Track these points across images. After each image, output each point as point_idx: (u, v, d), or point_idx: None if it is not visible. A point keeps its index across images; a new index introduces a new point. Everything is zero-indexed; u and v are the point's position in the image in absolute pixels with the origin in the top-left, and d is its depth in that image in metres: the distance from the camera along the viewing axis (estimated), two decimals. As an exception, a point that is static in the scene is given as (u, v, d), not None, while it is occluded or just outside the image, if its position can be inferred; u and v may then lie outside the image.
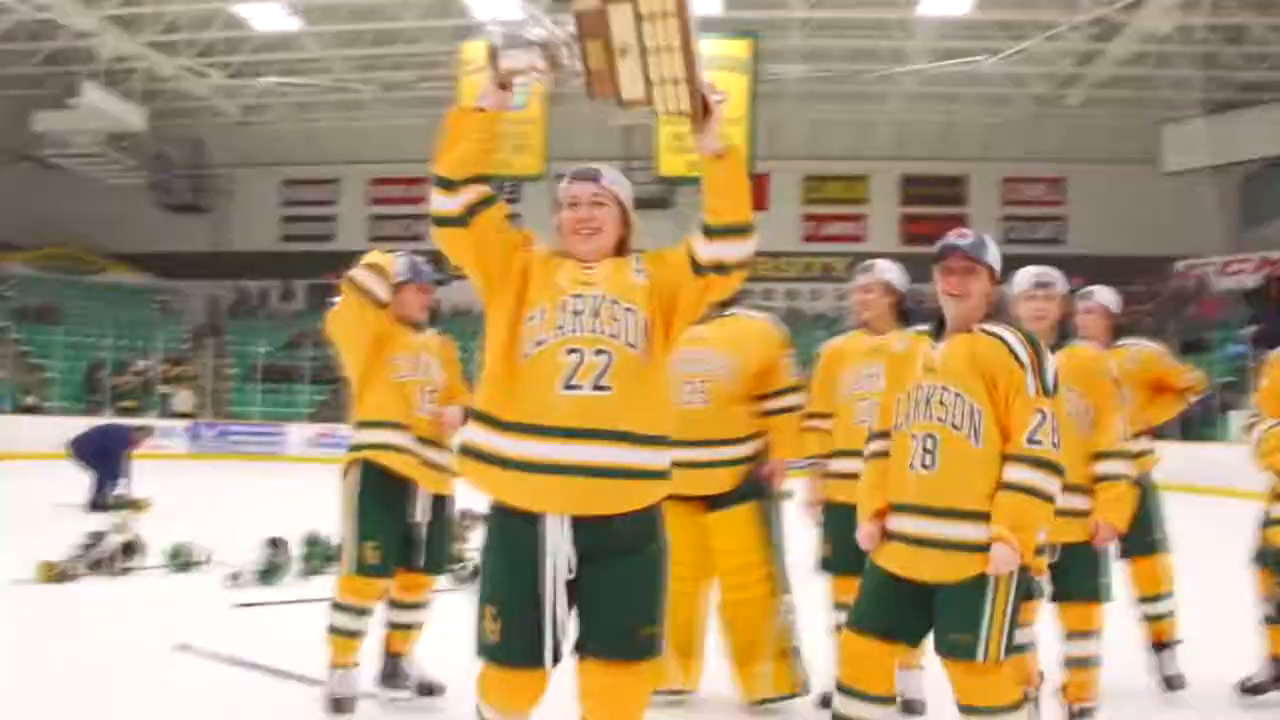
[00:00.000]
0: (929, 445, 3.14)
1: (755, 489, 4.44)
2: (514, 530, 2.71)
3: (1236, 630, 5.25)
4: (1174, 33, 22.47)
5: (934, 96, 27.96)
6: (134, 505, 10.43)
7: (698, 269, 2.76)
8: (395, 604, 4.55)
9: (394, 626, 4.57)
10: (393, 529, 4.35)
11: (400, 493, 4.37)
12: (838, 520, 4.29)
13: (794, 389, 4.55)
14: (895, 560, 3.20)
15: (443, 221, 2.83)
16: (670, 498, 2.88)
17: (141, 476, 12.37)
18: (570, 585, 2.69)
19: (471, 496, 3.22)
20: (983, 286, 3.28)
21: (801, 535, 4.69)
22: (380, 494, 4.33)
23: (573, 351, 2.68)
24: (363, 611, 4.36)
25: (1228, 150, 25.76)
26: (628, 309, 2.75)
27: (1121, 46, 23.70)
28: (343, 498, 4.41)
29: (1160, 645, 4.96)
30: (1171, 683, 4.90)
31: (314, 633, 4.48)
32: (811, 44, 25.12)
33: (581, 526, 2.67)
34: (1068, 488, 3.70)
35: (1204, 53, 23.74)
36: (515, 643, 2.68)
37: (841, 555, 4.26)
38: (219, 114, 29.64)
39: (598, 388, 2.66)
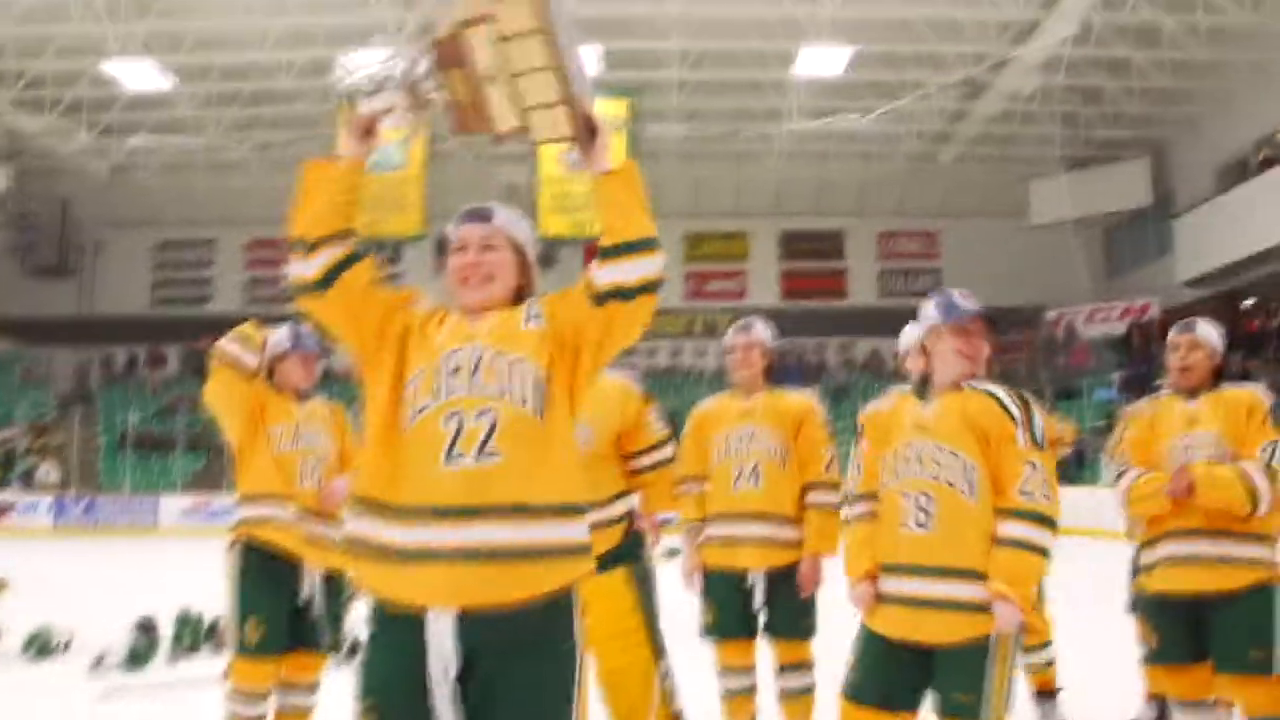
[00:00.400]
0: (924, 503, 3.09)
1: (626, 552, 4.31)
2: (396, 630, 2.27)
3: (1116, 672, 5.32)
4: (1036, 93, 23.44)
5: (810, 155, 28.60)
6: (-9, 586, 9.86)
7: (597, 298, 2.37)
8: (285, 685, 4.31)
9: (284, 711, 4.33)
10: (277, 606, 4.15)
11: (286, 570, 4.18)
12: (718, 586, 4.31)
13: (662, 443, 4.41)
14: (893, 623, 3.12)
15: (304, 288, 2.45)
16: None
17: (1, 554, 11.76)
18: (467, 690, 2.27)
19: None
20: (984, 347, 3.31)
21: (684, 597, 4.61)
22: (264, 571, 4.14)
23: (452, 416, 2.30)
24: (254, 696, 4.13)
25: (1090, 203, 26.85)
26: (515, 361, 2.36)
27: (988, 105, 24.61)
28: (226, 577, 4.21)
29: (1044, 694, 5.00)
30: None
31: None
32: (690, 104, 25.52)
33: (472, 621, 2.23)
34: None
35: (1064, 112, 24.78)
36: None
37: (725, 621, 4.29)
38: (86, 174, 28.74)
39: (483, 455, 2.26)
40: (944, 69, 22.71)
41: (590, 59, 22.21)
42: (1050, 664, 5.05)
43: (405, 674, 2.26)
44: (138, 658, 7.02)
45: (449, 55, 2.33)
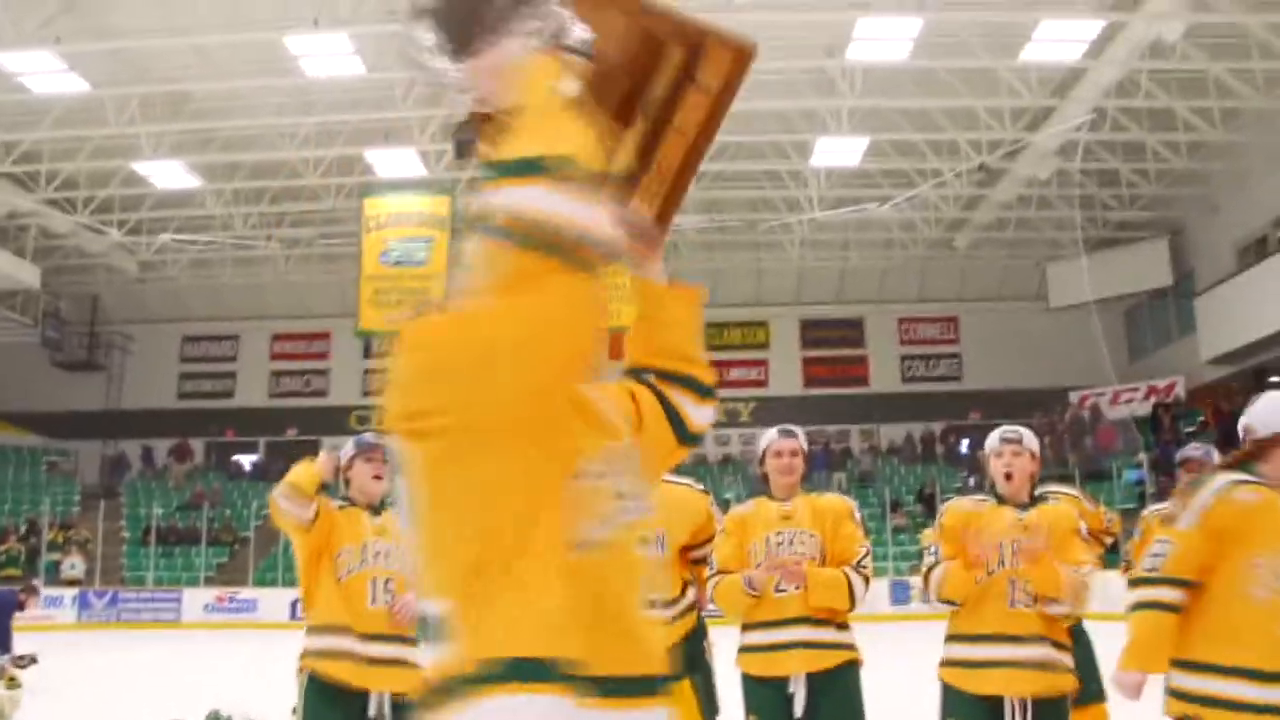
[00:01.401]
0: None
1: (693, 652, 4.29)
2: None
3: None
4: (1052, 177, 23.62)
5: (829, 243, 28.80)
6: (17, 667, 9.81)
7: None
8: None
9: None
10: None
11: (353, 695, 4.13)
12: (758, 694, 4.26)
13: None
14: None
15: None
16: None
17: (24, 649, 11.70)
18: None
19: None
20: None
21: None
22: (328, 696, 4.12)
23: None
24: None
25: (1109, 285, 26.84)
26: None
27: (1005, 191, 24.77)
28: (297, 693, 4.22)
29: None
30: None
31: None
32: (710, 195, 25.80)
33: None
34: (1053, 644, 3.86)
35: (1081, 195, 24.92)
36: None
37: None
38: (115, 270, 29.20)
39: None
40: (959, 157, 22.93)
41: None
42: None
43: None
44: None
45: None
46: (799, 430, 4.66)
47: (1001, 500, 4.12)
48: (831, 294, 30.97)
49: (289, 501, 4.16)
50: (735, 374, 31.32)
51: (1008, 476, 4.09)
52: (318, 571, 4.22)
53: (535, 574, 1.51)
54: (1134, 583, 3.56)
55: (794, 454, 4.54)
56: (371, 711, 4.12)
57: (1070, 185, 24.31)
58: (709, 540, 4.47)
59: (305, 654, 4.20)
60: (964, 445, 27.70)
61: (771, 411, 30.53)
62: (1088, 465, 24.75)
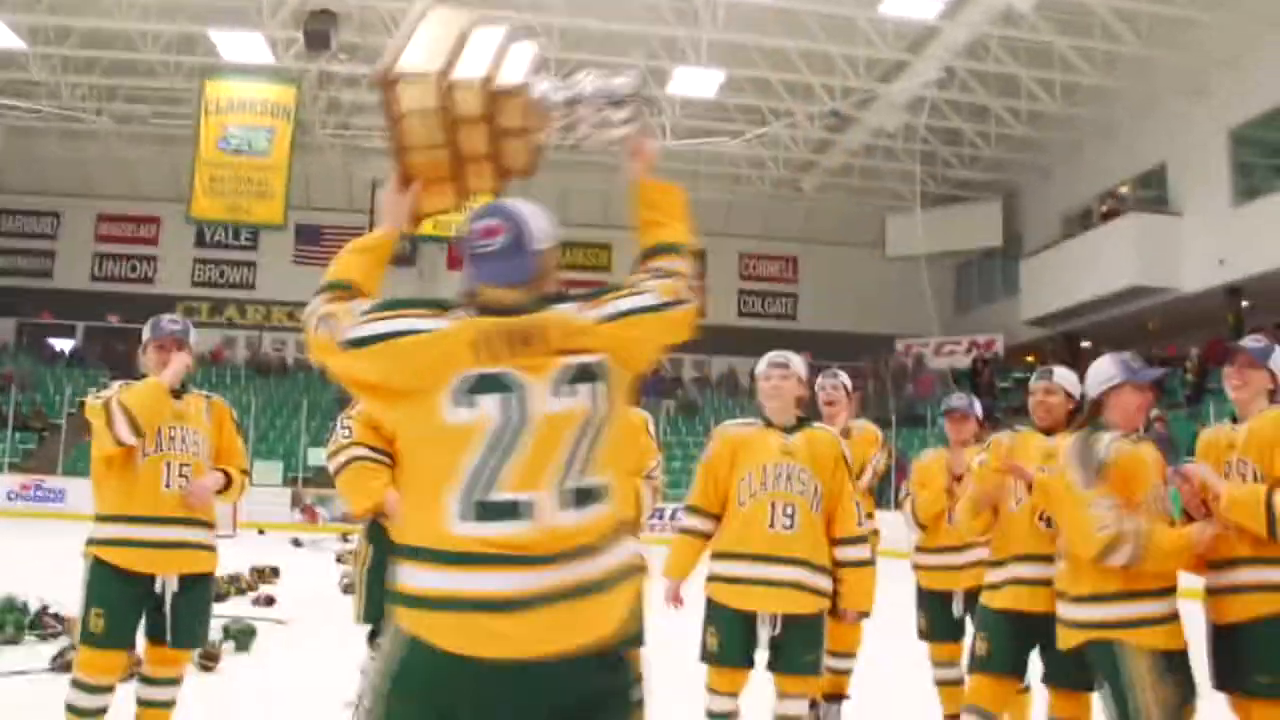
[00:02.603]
0: None
1: None
2: None
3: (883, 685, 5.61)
4: (899, 130, 24.26)
5: (680, 173, 28.90)
6: None
7: None
8: (144, 680, 4.26)
9: (143, 704, 4.26)
10: (127, 600, 4.09)
11: (139, 578, 4.12)
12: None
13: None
14: None
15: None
16: None
17: None
18: None
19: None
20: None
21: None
22: (115, 578, 4.08)
23: None
24: (96, 688, 4.06)
25: (943, 240, 27.83)
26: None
27: (853, 138, 25.33)
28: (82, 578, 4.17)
29: (831, 698, 5.25)
30: None
31: (7, 711, 4.11)
32: (564, 112, 25.56)
33: None
34: (805, 564, 3.93)
35: (924, 150, 25.68)
36: None
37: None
38: (-75, 133, 27.28)
39: None
40: (813, 100, 23.32)
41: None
42: (848, 672, 5.31)
43: None
44: (-44, 643, 6.74)
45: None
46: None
47: (770, 424, 4.28)
48: (675, 223, 31.29)
49: (125, 428, 4.06)
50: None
51: (771, 399, 4.28)
52: (114, 457, 4.17)
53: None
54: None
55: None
56: (157, 589, 4.14)
57: (915, 140, 25.03)
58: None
59: (91, 542, 4.17)
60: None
61: (609, 336, 30.82)
62: (905, 410, 25.84)
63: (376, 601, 4.37)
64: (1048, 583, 3.92)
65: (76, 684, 4.09)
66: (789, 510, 4.09)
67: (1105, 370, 3.78)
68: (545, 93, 2.49)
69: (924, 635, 5.33)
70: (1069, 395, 4.39)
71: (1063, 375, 4.46)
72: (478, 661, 1.99)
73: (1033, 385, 4.47)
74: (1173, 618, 3.53)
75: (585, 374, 2.16)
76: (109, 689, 4.12)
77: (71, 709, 4.07)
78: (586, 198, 30.76)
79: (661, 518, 22.06)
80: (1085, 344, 25.73)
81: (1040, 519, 4.12)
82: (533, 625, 2.01)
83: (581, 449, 2.12)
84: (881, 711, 5.82)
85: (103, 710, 4.11)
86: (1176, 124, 21.42)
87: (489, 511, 2.06)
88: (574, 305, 2.25)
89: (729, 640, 4.09)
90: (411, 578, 2.11)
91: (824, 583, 4.10)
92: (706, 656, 4.15)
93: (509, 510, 2.06)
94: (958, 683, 4.94)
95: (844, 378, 5.69)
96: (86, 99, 25.18)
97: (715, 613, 4.15)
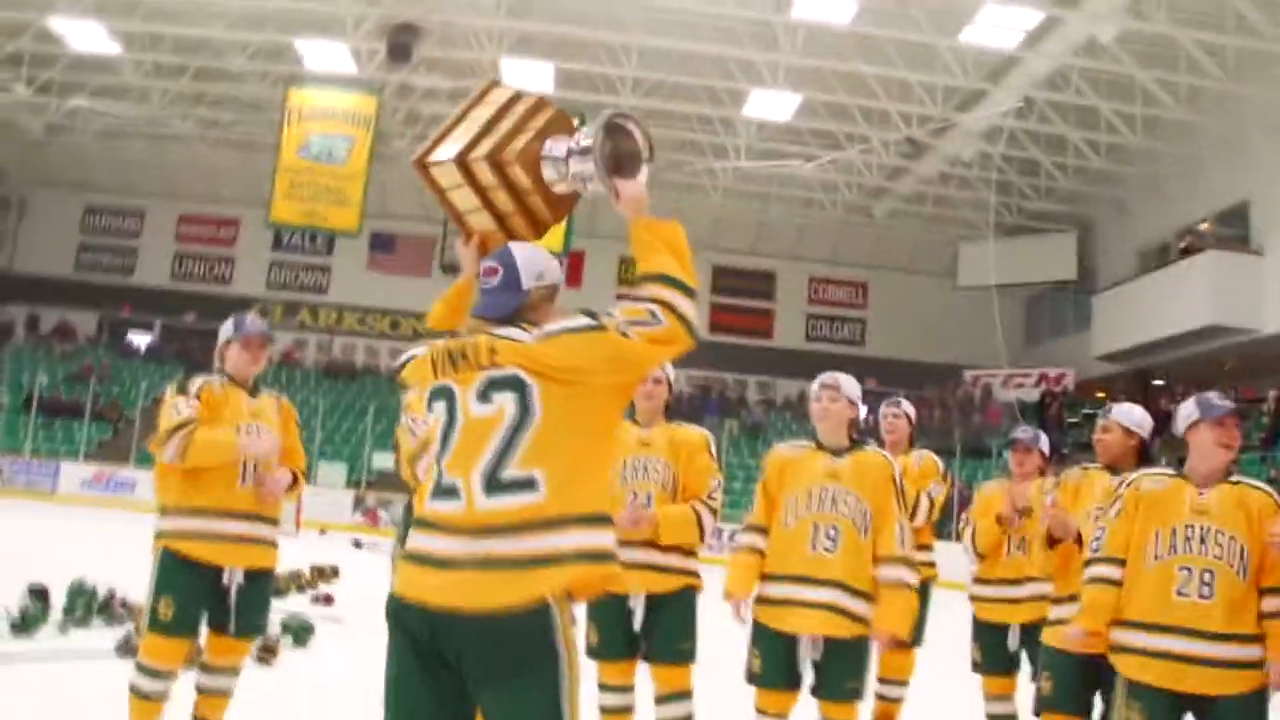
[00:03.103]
0: (1207, 579, 3.59)
1: None
2: None
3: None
4: (975, 159, 24.07)
5: (751, 194, 28.98)
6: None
7: None
8: (205, 668, 4.39)
9: (201, 692, 4.39)
10: (194, 590, 4.23)
11: (206, 569, 4.27)
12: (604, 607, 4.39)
13: None
14: (1164, 676, 3.56)
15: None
16: None
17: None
18: None
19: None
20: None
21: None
22: (184, 568, 4.22)
23: None
24: (160, 674, 4.18)
25: (1015, 271, 27.54)
26: None
27: (927, 166, 25.18)
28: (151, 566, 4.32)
29: None
30: None
31: (72, 692, 4.23)
32: (639, 130, 25.73)
33: None
34: (842, 587, 3.93)
35: (1000, 180, 25.43)
36: None
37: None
38: (18, 128, 28.10)
39: None
40: (888, 126, 23.22)
41: (544, 77, 22.38)
42: (898, 700, 5.26)
43: None
44: (27, 624, 6.92)
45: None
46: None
47: (820, 446, 4.25)
48: (747, 245, 31.21)
49: (176, 455, 4.19)
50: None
51: (821, 420, 4.26)
52: None
53: None
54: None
55: (657, 381, 4.58)
56: (225, 580, 4.28)
57: (990, 169, 24.80)
58: None
59: (161, 534, 4.29)
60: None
61: (674, 354, 30.84)
62: (971, 441, 25.56)
63: None
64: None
65: (141, 668, 4.20)
66: (831, 532, 4.06)
67: (1184, 410, 3.82)
68: (547, 152, 2.83)
69: (977, 668, 5.28)
70: (1127, 431, 4.37)
71: (1121, 411, 4.45)
72: (410, 604, 2.51)
73: (1097, 423, 4.50)
74: None
75: (504, 385, 2.57)
76: (172, 675, 4.23)
77: (135, 691, 4.18)
78: (657, 215, 30.82)
79: (720, 538, 22.06)
80: (1158, 381, 25.27)
81: None
82: (445, 582, 2.46)
83: (504, 445, 2.53)
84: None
85: (164, 695, 4.23)
86: (1261, 161, 20.99)
87: (438, 491, 2.59)
88: (524, 332, 2.63)
89: (770, 662, 4.10)
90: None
91: (863, 608, 4.05)
92: (751, 677, 4.16)
93: (450, 491, 2.56)
94: (1010, 718, 4.90)
95: (906, 406, 5.68)
96: (174, 104, 25.85)
97: (758, 633, 4.16)
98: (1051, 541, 4.27)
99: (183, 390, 4.34)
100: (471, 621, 2.42)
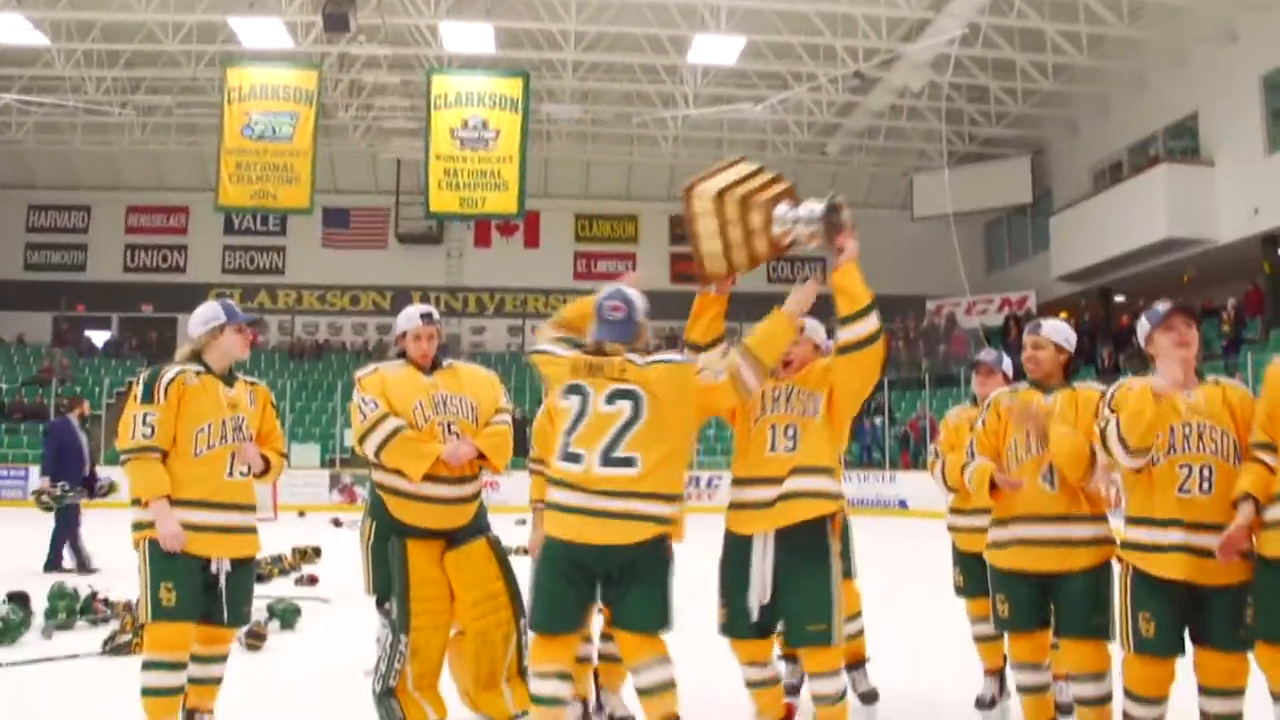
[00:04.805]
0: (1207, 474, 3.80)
1: (483, 526, 4.74)
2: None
3: (917, 643, 5.61)
4: (924, 89, 24.03)
5: (703, 141, 28.85)
6: None
7: (839, 350, 4.08)
8: (194, 659, 4.35)
9: (192, 681, 4.37)
10: (189, 576, 4.22)
11: (194, 558, 4.26)
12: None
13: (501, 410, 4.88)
14: (1178, 567, 3.75)
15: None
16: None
17: None
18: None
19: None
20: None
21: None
22: (173, 556, 4.21)
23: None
24: (173, 665, 4.18)
25: (970, 199, 27.67)
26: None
27: (876, 100, 25.13)
28: (138, 561, 4.29)
29: (852, 665, 5.24)
30: (866, 698, 5.19)
31: (58, 697, 4.21)
32: (585, 86, 25.58)
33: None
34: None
35: (950, 109, 25.43)
36: None
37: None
38: (-46, 131, 27.56)
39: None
40: (835, 63, 23.15)
41: (484, 38, 22.17)
42: (858, 635, 5.28)
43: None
44: (9, 630, 6.88)
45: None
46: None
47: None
48: (704, 193, 31.16)
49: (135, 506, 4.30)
50: (603, 266, 31.43)
51: (785, 364, 4.36)
52: (177, 445, 4.30)
53: None
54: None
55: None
56: (213, 568, 4.31)
57: (940, 99, 24.78)
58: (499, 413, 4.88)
59: (141, 526, 4.27)
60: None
61: (638, 307, 30.83)
62: (938, 370, 25.76)
63: (382, 572, 4.58)
64: (1052, 542, 4.10)
65: (152, 665, 4.18)
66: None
67: (1139, 328, 4.01)
68: (781, 214, 4.02)
69: (960, 591, 5.35)
70: (1058, 348, 4.40)
71: (1052, 328, 4.46)
72: (564, 542, 3.84)
73: (1024, 339, 4.50)
74: None
75: (626, 395, 3.85)
76: (183, 665, 4.22)
77: (150, 692, 4.15)
78: (609, 170, 30.80)
79: (698, 486, 22.26)
80: (1119, 298, 25.52)
81: (1043, 478, 4.18)
82: (581, 524, 3.80)
83: (618, 434, 3.82)
84: (913, 672, 5.86)
85: (180, 689, 4.22)
86: (1207, 72, 21.11)
87: (567, 456, 3.87)
88: (640, 357, 3.91)
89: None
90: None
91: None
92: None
93: (574, 458, 3.85)
94: (998, 638, 4.97)
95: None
96: (111, 92, 25.36)
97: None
98: (991, 487, 4.31)
99: (149, 392, 4.29)
100: (611, 551, 3.78)
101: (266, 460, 4.52)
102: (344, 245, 31.21)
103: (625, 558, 3.78)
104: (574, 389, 3.90)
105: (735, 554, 4.07)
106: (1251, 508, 3.65)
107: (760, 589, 3.99)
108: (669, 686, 3.85)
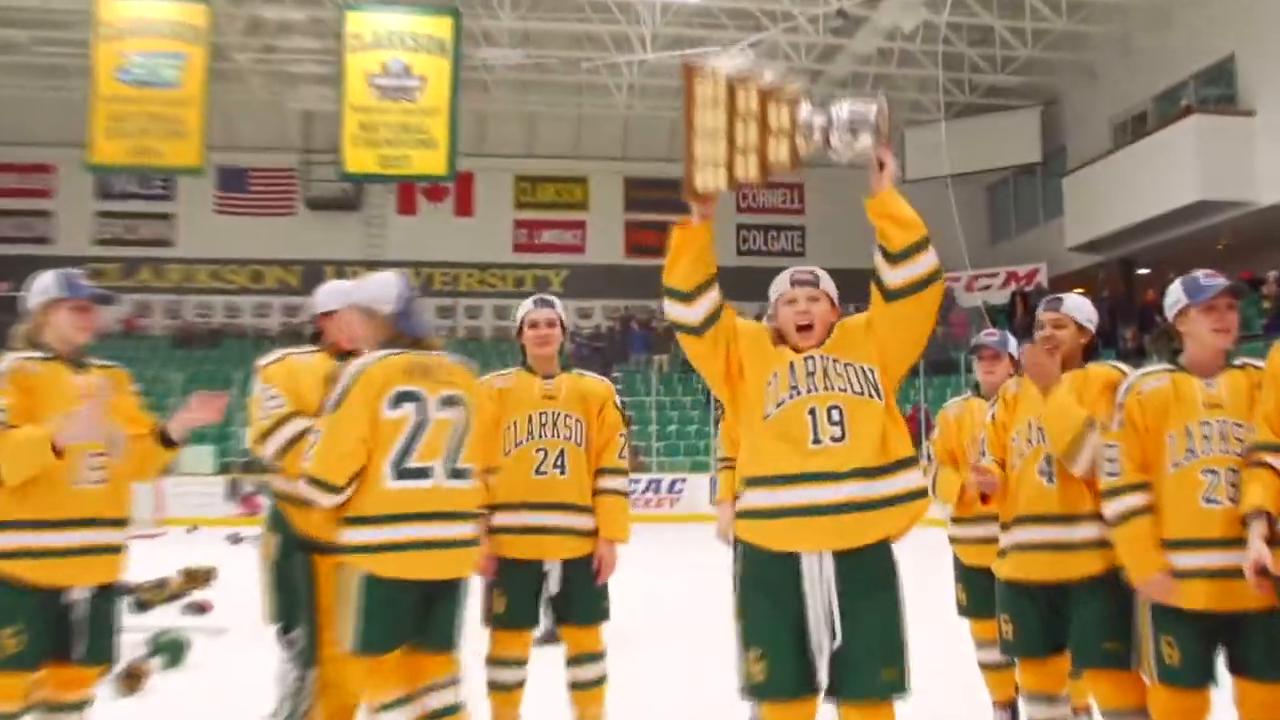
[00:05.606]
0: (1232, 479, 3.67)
1: None
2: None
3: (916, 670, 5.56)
4: (917, 30, 24.05)
5: (663, 91, 28.73)
6: None
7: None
8: (50, 707, 4.15)
9: None
10: (37, 615, 3.98)
11: (39, 591, 4.02)
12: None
13: None
14: (1202, 596, 3.65)
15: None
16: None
17: None
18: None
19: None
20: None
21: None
22: (19, 585, 3.98)
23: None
24: (6, 717, 3.98)
25: (971, 158, 27.77)
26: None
27: (863, 43, 25.14)
28: None
29: None
30: None
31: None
32: (525, 26, 25.35)
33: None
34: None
35: (948, 53, 25.47)
36: None
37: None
38: None
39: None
40: (815, 0, 23.15)
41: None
42: None
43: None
44: None
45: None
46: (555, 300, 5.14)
47: (798, 352, 3.69)
48: (663, 150, 30.93)
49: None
50: (548, 236, 31.37)
51: (803, 327, 3.75)
52: None
53: None
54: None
55: (550, 324, 4.96)
56: (64, 601, 4.06)
57: (936, 41, 24.78)
58: None
59: None
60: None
61: (586, 281, 30.77)
62: (935, 356, 25.84)
63: (286, 596, 4.47)
64: (1051, 546, 4.10)
65: None
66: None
67: (1171, 294, 3.89)
68: (807, 115, 3.62)
69: (964, 611, 5.32)
70: (1080, 328, 4.37)
71: (1074, 304, 4.42)
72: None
73: (1040, 317, 4.45)
74: None
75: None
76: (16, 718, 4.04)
77: None
78: (557, 125, 30.62)
79: (658, 491, 22.21)
80: (1143, 270, 25.71)
81: (1040, 472, 4.17)
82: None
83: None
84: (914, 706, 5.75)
85: None
86: (1245, 7, 21.26)
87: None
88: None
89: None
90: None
91: None
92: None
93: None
94: (1007, 665, 4.89)
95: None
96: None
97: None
98: (983, 498, 4.38)
99: None
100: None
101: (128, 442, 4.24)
102: (243, 212, 30.85)
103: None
104: (402, 397, 4.06)
105: (772, 578, 3.46)
106: (1264, 523, 3.52)
107: (821, 629, 3.38)
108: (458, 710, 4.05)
